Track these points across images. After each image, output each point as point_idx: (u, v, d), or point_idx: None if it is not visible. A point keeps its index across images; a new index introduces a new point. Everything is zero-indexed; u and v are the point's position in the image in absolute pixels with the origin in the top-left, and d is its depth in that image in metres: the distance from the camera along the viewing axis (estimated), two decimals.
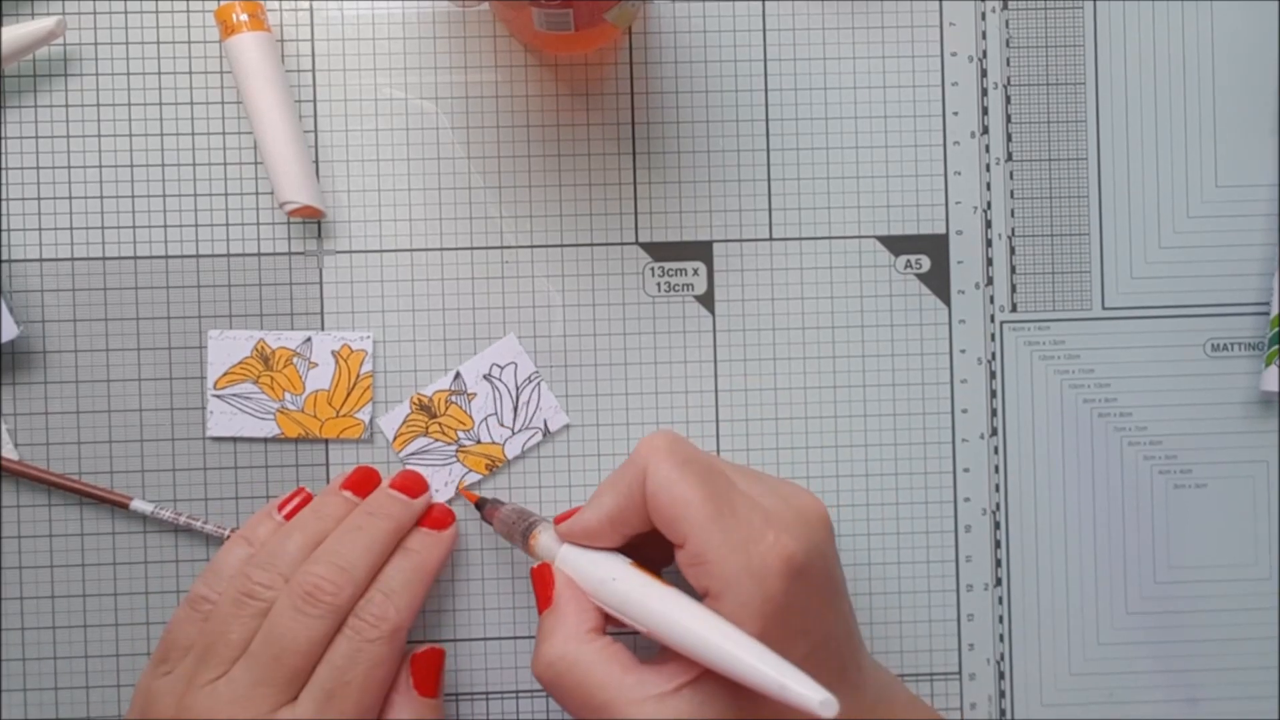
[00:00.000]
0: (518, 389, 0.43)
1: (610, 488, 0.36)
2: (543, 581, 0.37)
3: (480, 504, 0.41)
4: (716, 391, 0.43)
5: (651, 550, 0.38)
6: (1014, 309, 0.44)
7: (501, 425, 0.43)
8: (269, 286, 0.43)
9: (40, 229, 0.42)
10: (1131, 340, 0.44)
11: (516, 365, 0.43)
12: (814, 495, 0.37)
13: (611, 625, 0.36)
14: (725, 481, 0.35)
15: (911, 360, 0.44)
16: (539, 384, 0.43)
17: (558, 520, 0.38)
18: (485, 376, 0.43)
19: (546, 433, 0.43)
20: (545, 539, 0.38)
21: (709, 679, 0.33)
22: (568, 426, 0.43)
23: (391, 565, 0.39)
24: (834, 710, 0.29)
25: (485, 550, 0.43)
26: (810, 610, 0.34)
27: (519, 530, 0.39)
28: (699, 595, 0.34)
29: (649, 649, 0.35)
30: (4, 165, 0.42)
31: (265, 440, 0.43)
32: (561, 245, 0.43)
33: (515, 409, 0.43)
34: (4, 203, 0.42)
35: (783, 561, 0.33)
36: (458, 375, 0.43)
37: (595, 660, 0.34)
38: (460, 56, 0.43)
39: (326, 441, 0.43)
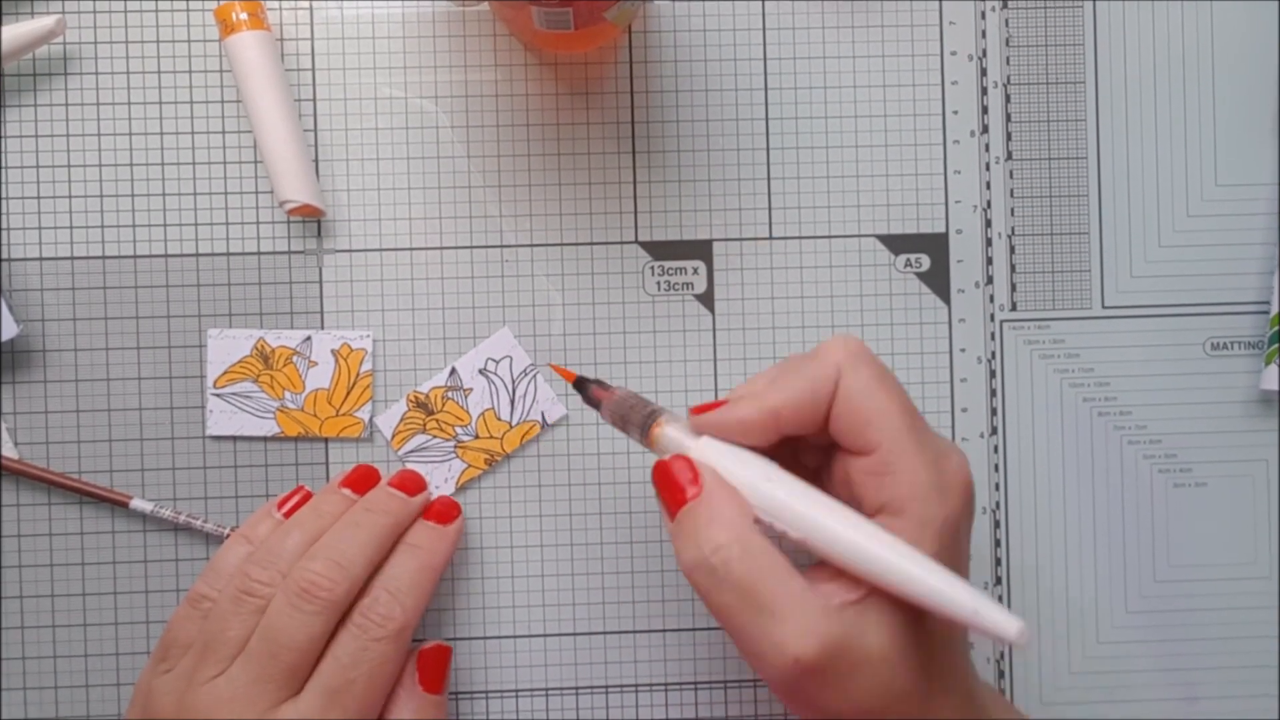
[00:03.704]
0: (514, 382, 0.43)
1: (779, 383, 0.33)
2: (684, 474, 0.33)
3: (580, 383, 0.37)
4: (716, 390, 0.43)
5: (787, 463, 0.34)
6: (1014, 308, 0.44)
7: (499, 419, 0.43)
8: (269, 285, 0.43)
9: (40, 228, 0.42)
10: (1131, 339, 0.44)
11: (512, 359, 0.43)
12: None
13: None
14: (911, 401, 0.34)
15: (911, 359, 0.44)
16: (535, 376, 0.43)
17: (694, 411, 0.34)
18: (481, 371, 0.43)
19: (545, 424, 0.43)
20: (673, 431, 0.34)
21: (875, 599, 0.31)
22: (568, 424, 0.43)
23: (397, 563, 0.38)
24: (1028, 639, 0.28)
25: (485, 549, 0.43)
26: (966, 542, 0.33)
27: (638, 417, 0.35)
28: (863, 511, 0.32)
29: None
30: (4, 165, 0.42)
31: (265, 439, 0.43)
32: (561, 244, 0.43)
33: (512, 402, 0.43)
34: (4, 202, 0.42)
35: (965, 484, 0.33)
36: (453, 371, 0.43)
37: (762, 552, 0.31)
38: (460, 56, 0.43)
39: (326, 440, 0.43)
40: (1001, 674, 0.44)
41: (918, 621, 0.32)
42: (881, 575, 0.30)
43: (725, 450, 0.33)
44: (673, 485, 0.33)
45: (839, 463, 0.34)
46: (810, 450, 0.36)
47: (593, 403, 0.37)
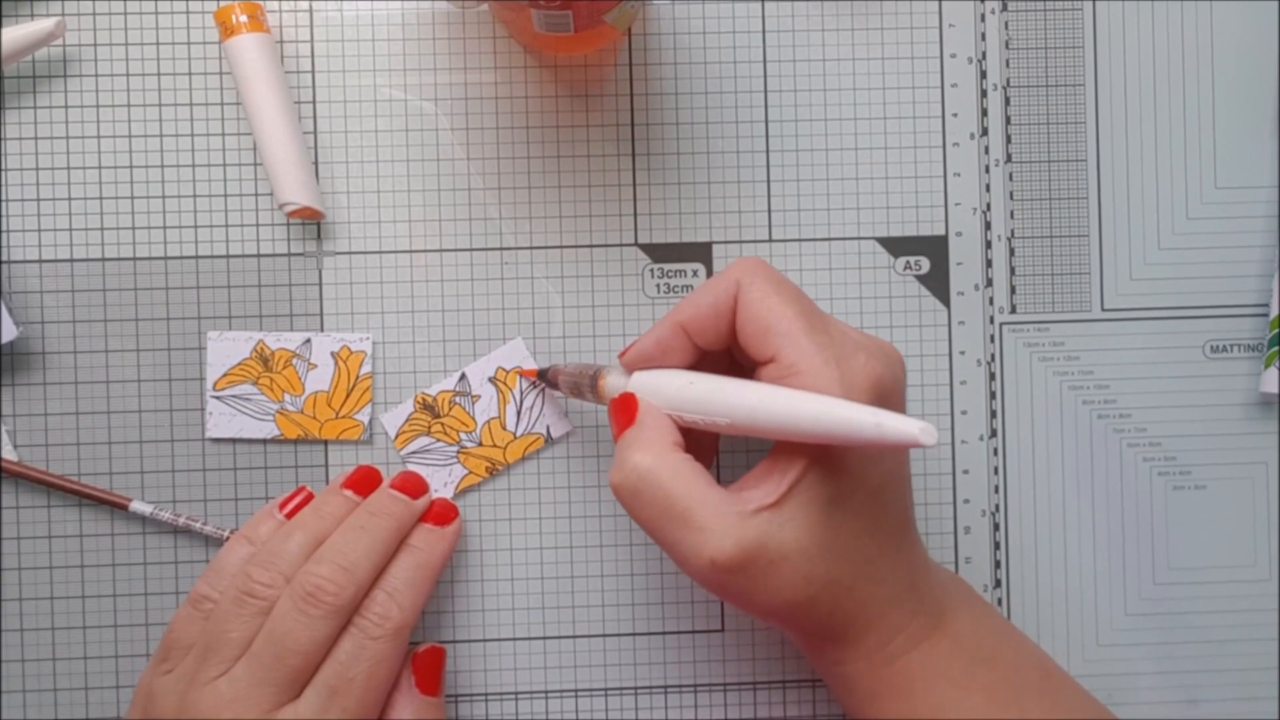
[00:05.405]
0: (522, 393, 0.43)
1: (686, 300, 0.36)
2: (625, 406, 0.36)
3: (541, 374, 0.42)
4: None
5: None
6: (1013, 310, 0.44)
7: (504, 429, 0.43)
8: (268, 288, 0.43)
9: (40, 230, 0.42)
10: (1131, 342, 0.44)
11: (522, 369, 0.43)
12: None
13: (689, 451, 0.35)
14: (814, 305, 0.35)
15: (911, 362, 0.44)
16: (543, 389, 0.43)
17: (621, 355, 0.38)
18: (491, 379, 0.43)
19: (549, 439, 0.43)
20: (614, 377, 0.37)
21: (789, 502, 0.33)
22: (569, 426, 0.43)
23: (395, 564, 0.39)
24: (934, 437, 0.29)
25: (485, 552, 0.43)
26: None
27: (586, 379, 0.39)
28: None
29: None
30: (4, 166, 0.42)
31: (264, 441, 0.43)
32: (561, 246, 0.43)
33: (519, 413, 0.43)
34: (4, 204, 0.42)
35: (872, 381, 0.33)
36: (463, 376, 0.43)
37: (679, 468, 0.33)
38: (460, 57, 0.43)
39: (326, 443, 0.43)
40: None
41: (834, 517, 0.33)
42: (792, 420, 0.32)
43: (652, 375, 0.36)
44: (615, 422, 0.36)
45: (759, 377, 0.35)
46: (747, 374, 0.37)
47: (553, 385, 0.41)
